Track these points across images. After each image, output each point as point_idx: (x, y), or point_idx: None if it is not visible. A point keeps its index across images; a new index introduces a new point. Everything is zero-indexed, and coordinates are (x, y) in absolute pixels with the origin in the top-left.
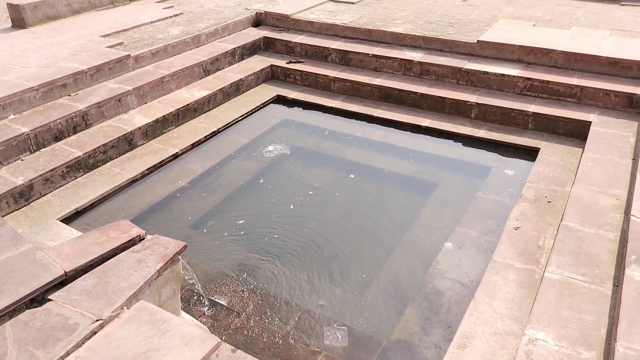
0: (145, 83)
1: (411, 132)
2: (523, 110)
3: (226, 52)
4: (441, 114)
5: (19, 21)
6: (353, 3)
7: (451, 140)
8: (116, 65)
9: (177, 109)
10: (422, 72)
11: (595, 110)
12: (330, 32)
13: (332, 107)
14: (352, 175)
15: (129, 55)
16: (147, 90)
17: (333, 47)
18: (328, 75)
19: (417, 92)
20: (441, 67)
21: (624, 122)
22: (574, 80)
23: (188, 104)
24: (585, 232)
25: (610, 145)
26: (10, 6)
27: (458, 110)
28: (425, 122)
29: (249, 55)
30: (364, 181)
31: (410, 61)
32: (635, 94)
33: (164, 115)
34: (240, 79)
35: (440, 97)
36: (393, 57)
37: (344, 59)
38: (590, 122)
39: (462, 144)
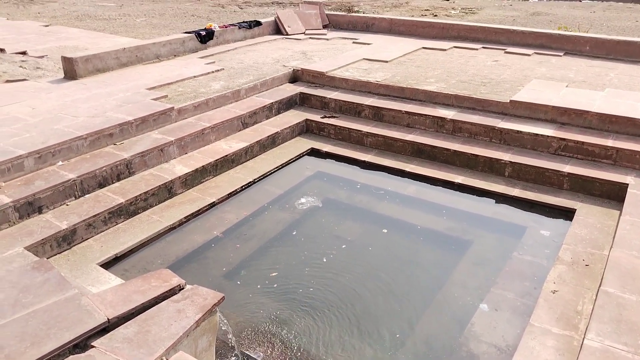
0: (186, 134)
1: (444, 188)
2: (558, 171)
3: (264, 106)
4: (474, 171)
5: (70, 73)
6: (386, 62)
7: (485, 198)
8: (160, 117)
9: (216, 160)
10: (455, 129)
11: (632, 173)
12: (364, 89)
13: (364, 161)
14: (385, 230)
15: (172, 107)
16: (188, 141)
17: (366, 103)
18: (361, 130)
19: (449, 149)
20: (474, 125)
21: None
22: (609, 142)
23: (226, 155)
24: (626, 299)
25: None
26: (64, 59)
27: (491, 168)
28: (458, 178)
29: (285, 110)
30: (397, 236)
31: (443, 118)
32: None
33: (203, 166)
34: (276, 132)
35: (473, 154)
36: (426, 114)
37: (377, 115)
38: (627, 184)
39: (496, 202)
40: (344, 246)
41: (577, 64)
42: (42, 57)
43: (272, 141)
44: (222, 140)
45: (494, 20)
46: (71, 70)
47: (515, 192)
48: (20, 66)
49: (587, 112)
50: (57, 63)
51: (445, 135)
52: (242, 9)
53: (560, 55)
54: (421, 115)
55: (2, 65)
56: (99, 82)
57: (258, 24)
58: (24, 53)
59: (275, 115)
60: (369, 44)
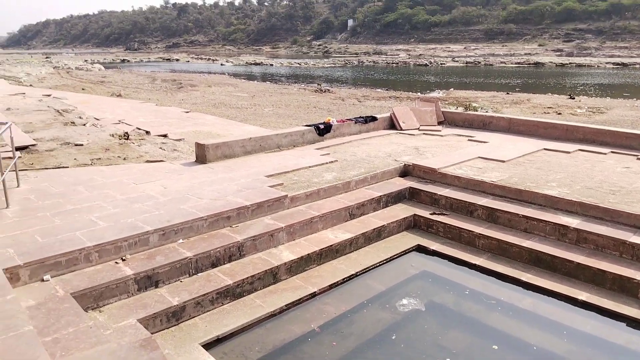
0: (296, 222)
1: (565, 304)
2: None
3: (372, 198)
4: (601, 289)
5: (201, 157)
6: (503, 162)
7: (614, 321)
8: (274, 204)
9: (321, 249)
10: (579, 239)
11: None
12: (478, 188)
13: (475, 264)
14: (495, 347)
15: (286, 195)
16: (297, 228)
17: (480, 203)
18: (473, 231)
19: (572, 261)
20: (601, 237)
21: None
22: None
23: (331, 245)
24: None
25: None
26: (197, 145)
27: (622, 287)
28: (582, 295)
29: (393, 203)
30: (509, 356)
31: (565, 227)
32: None
33: (308, 254)
34: (383, 225)
35: (599, 269)
36: (546, 221)
37: (491, 217)
38: None
39: (628, 327)
40: (448, 359)
41: None
42: (180, 140)
43: (377, 234)
44: (328, 229)
45: (624, 122)
46: (202, 155)
47: None
48: (160, 147)
49: None
50: (191, 146)
51: (568, 245)
52: (360, 102)
53: None
54: (540, 221)
55: (146, 146)
56: (224, 167)
57: (374, 119)
58: (165, 136)
59: (383, 208)
60: (485, 142)
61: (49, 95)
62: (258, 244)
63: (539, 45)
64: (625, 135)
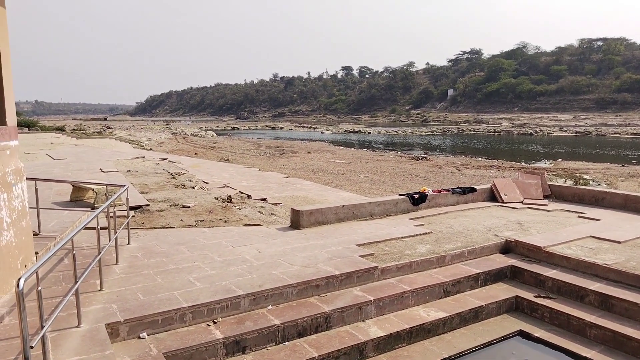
0: (386, 295)
1: None
2: None
3: (469, 275)
4: None
5: (295, 223)
6: (619, 242)
7: None
8: (364, 274)
9: (411, 327)
10: None
11: None
12: (590, 271)
13: (586, 357)
14: None
15: (377, 267)
16: (387, 302)
17: (592, 288)
18: (584, 319)
19: None
20: None
21: None
22: None
23: (423, 324)
24: None
25: None
26: (293, 211)
27: None
28: None
29: (492, 282)
30: None
31: None
32: None
33: (397, 331)
34: (481, 306)
35: None
36: None
37: (605, 304)
38: None
39: None
40: None
41: None
42: (277, 204)
43: (474, 315)
44: (420, 306)
45: None
46: (296, 221)
47: None
48: (259, 211)
49: None
50: (288, 210)
51: None
52: (459, 170)
53: None
54: None
55: (246, 209)
56: (316, 234)
57: (472, 190)
58: (264, 200)
59: (481, 286)
60: (597, 219)
61: (165, 159)
62: (345, 316)
63: None
64: None
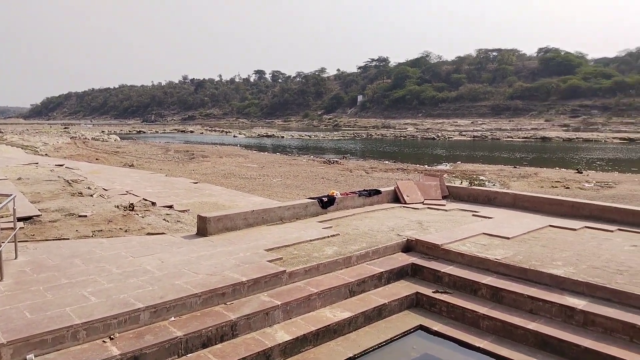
0: (293, 299)
1: None
2: None
3: (373, 275)
4: None
5: (202, 230)
6: (508, 238)
7: None
8: (272, 279)
9: (318, 329)
10: (586, 322)
11: None
12: (482, 266)
13: (479, 347)
14: None
15: (284, 271)
16: (294, 306)
17: (484, 282)
18: (477, 312)
19: (580, 345)
20: (609, 320)
21: None
22: None
23: (329, 325)
24: None
25: None
26: (199, 217)
27: None
28: None
29: (395, 280)
30: None
31: (572, 308)
32: None
33: (304, 334)
34: (384, 304)
35: (609, 355)
36: (552, 302)
37: (496, 296)
38: None
39: None
40: None
41: None
42: (185, 211)
43: (378, 313)
44: (327, 307)
45: (633, 197)
46: (203, 228)
47: None
48: (164, 219)
49: None
50: (195, 218)
51: (575, 327)
52: (368, 173)
53: None
54: (546, 302)
55: (150, 217)
56: (224, 240)
57: (377, 192)
58: (170, 207)
59: (385, 285)
60: (489, 217)
61: (61, 165)
62: (252, 323)
63: (546, 120)
64: (632, 212)
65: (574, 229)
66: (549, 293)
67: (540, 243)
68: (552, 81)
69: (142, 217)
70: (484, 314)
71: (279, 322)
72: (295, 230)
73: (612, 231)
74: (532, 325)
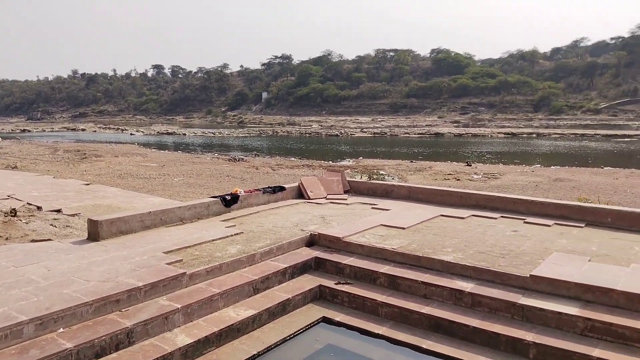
0: (194, 301)
1: None
2: (586, 355)
3: (277, 271)
4: (496, 351)
5: (94, 234)
6: (404, 229)
7: None
8: (171, 282)
9: (221, 329)
10: (474, 303)
11: None
12: (380, 256)
13: (379, 333)
14: None
15: (184, 273)
16: (196, 308)
17: (382, 271)
18: (376, 300)
19: (469, 325)
20: (493, 300)
21: None
22: None
23: (232, 324)
24: None
25: None
26: (89, 221)
27: (514, 348)
28: (479, 359)
29: (299, 274)
30: None
31: (460, 291)
32: None
33: (206, 336)
34: (288, 299)
35: (493, 332)
36: (443, 286)
37: (393, 284)
38: None
39: None
40: None
41: (600, 237)
42: (75, 215)
43: (282, 308)
44: (230, 307)
45: (516, 186)
46: (95, 232)
47: None
48: (51, 224)
49: (613, 290)
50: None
51: (464, 309)
52: (274, 170)
53: (582, 227)
54: (438, 286)
55: (35, 223)
56: (119, 245)
57: (282, 189)
58: (58, 211)
59: (289, 280)
60: (387, 209)
61: None
62: (150, 329)
63: (439, 117)
64: (512, 200)
65: (463, 218)
66: (441, 278)
67: (432, 232)
68: (444, 80)
69: (26, 223)
70: (382, 302)
71: (179, 326)
72: (197, 230)
73: (495, 218)
74: (426, 310)
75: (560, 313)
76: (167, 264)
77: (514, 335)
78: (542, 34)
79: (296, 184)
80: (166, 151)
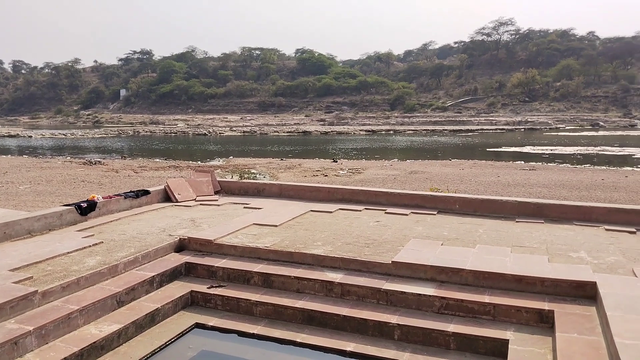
0: (49, 321)
1: (337, 356)
2: (443, 331)
3: (144, 280)
4: (365, 337)
5: None
6: (276, 226)
7: None
8: (20, 303)
9: (81, 349)
10: (344, 292)
11: (511, 327)
12: (254, 255)
13: (253, 333)
14: None
15: (35, 291)
16: (51, 329)
17: (255, 270)
18: (250, 299)
19: (339, 314)
20: (361, 288)
21: (539, 338)
22: (486, 298)
23: (94, 342)
24: None
25: None
26: None
27: (381, 332)
28: (350, 346)
29: (168, 282)
30: None
31: (331, 282)
32: (544, 309)
33: (64, 357)
34: (157, 309)
35: (362, 318)
36: (314, 279)
37: (267, 282)
38: (508, 339)
39: None
40: None
41: (450, 222)
42: None
43: (151, 319)
44: (92, 323)
45: (377, 179)
46: None
47: (406, 357)
48: None
49: (462, 269)
50: None
51: (335, 299)
52: (137, 173)
53: (434, 214)
54: (310, 279)
55: None
56: None
57: (146, 192)
58: None
59: (157, 289)
60: (259, 208)
61: None
62: None
63: (306, 116)
64: (374, 193)
65: (331, 212)
66: (312, 271)
67: (303, 227)
68: (309, 80)
69: None
70: (256, 301)
71: (32, 350)
72: (49, 243)
73: (360, 210)
74: (299, 304)
75: (419, 295)
76: (14, 282)
77: (380, 319)
78: (396, 35)
79: (162, 187)
80: (8, 156)
